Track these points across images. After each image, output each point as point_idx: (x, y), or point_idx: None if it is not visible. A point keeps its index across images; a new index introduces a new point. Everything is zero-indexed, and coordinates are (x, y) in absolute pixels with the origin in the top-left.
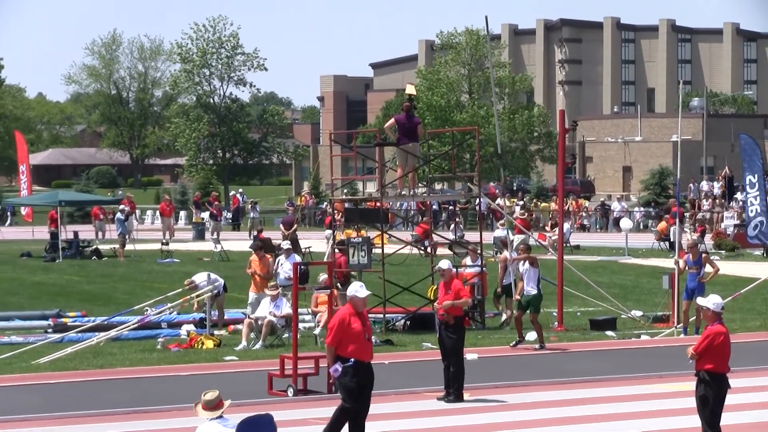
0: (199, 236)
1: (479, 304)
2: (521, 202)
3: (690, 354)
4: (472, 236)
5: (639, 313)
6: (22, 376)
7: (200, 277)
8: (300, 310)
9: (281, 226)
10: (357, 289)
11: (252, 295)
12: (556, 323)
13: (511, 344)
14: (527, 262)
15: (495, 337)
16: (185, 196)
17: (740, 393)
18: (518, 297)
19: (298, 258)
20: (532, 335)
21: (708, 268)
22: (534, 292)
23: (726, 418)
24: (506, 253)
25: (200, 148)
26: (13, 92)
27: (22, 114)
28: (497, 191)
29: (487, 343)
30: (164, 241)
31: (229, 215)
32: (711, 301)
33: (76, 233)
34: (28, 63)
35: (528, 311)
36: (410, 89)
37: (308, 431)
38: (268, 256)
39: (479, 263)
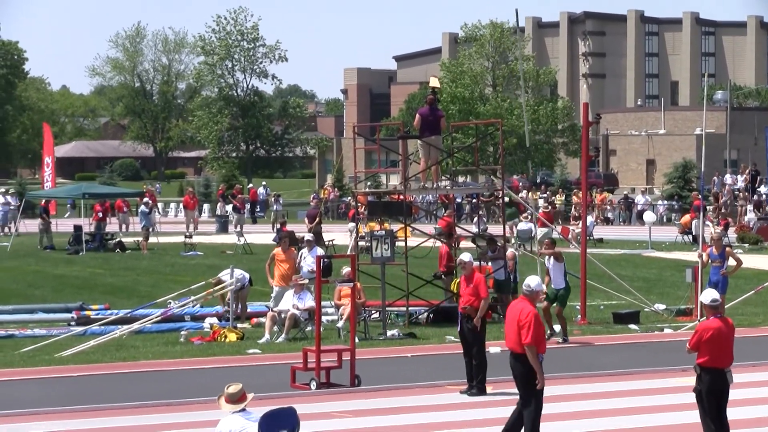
0: (223, 229)
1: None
2: (544, 195)
3: (687, 349)
4: (495, 229)
5: (662, 307)
6: (45, 369)
7: (226, 275)
8: (323, 303)
9: (305, 219)
10: (541, 283)
11: (276, 288)
12: (579, 316)
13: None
14: (552, 257)
15: None
16: (209, 188)
17: (761, 387)
18: (545, 292)
19: (320, 251)
20: (557, 327)
21: (731, 262)
22: (563, 285)
23: (744, 413)
24: (511, 250)
25: (223, 141)
26: (36, 84)
27: (46, 106)
28: (520, 184)
29: None
30: (188, 233)
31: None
32: (705, 296)
33: (100, 225)
34: (51, 55)
35: (555, 304)
36: (434, 82)
37: (331, 424)
38: (293, 249)
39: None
